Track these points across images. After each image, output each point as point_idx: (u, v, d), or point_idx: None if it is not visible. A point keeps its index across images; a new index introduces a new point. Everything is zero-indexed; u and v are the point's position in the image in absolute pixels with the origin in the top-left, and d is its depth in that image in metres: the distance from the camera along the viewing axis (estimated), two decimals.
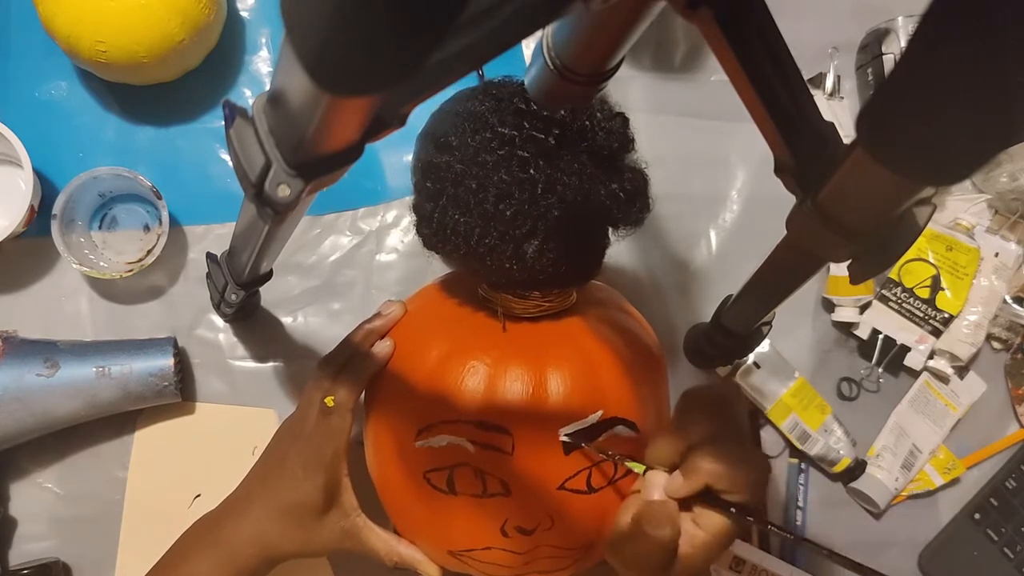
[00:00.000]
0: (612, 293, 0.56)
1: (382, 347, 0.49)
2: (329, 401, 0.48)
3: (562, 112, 0.45)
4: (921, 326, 0.68)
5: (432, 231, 0.46)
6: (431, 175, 0.46)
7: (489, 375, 0.45)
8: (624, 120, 0.47)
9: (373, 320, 0.51)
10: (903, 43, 0.67)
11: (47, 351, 0.57)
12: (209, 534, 0.48)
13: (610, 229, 0.49)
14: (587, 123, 0.45)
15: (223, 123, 0.34)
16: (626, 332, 0.50)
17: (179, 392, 0.59)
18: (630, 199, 0.47)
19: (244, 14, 0.66)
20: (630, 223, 0.48)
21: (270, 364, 0.64)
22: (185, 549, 0.49)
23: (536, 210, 0.43)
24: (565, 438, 0.45)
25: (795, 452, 0.68)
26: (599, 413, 0.45)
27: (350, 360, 0.50)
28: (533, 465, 0.45)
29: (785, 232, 0.40)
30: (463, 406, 0.45)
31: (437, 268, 0.64)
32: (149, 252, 0.60)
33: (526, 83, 0.43)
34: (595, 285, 0.56)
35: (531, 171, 0.43)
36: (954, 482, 0.70)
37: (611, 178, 0.46)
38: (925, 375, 0.70)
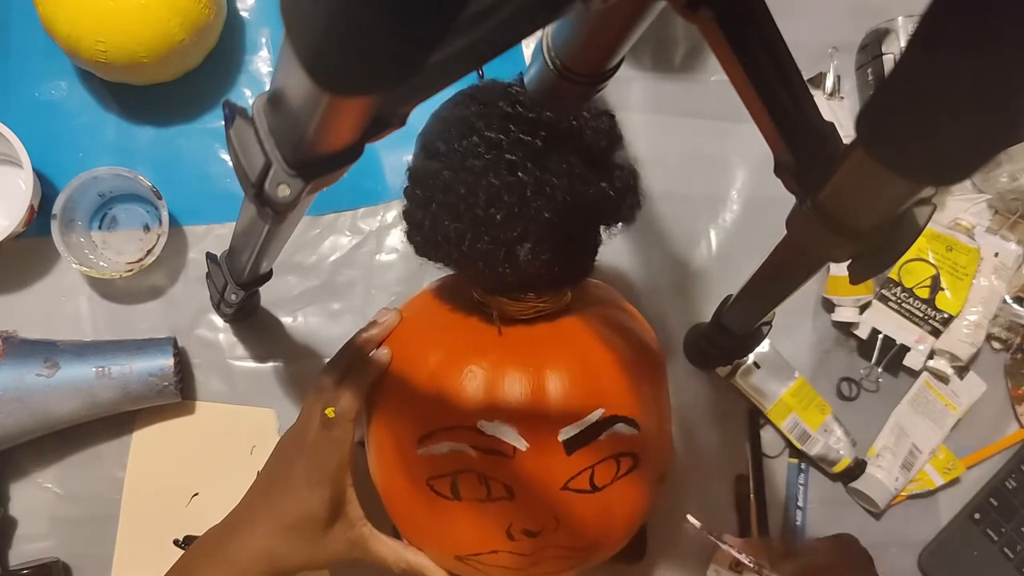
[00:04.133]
0: (609, 291, 0.56)
1: (380, 355, 0.49)
2: (330, 412, 0.47)
3: (548, 113, 0.44)
4: (921, 326, 0.68)
5: (424, 238, 0.46)
6: (420, 182, 0.46)
7: (487, 379, 0.45)
8: (611, 118, 0.47)
9: (369, 329, 0.51)
10: (903, 43, 0.67)
11: (47, 351, 0.57)
12: (215, 552, 0.48)
13: (602, 227, 0.49)
14: (574, 123, 0.45)
15: (223, 123, 0.34)
16: (624, 330, 0.50)
17: (179, 392, 0.59)
18: (621, 196, 0.47)
19: (244, 14, 0.66)
20: (621, 220, 0.48)
21: (270, 364, 0.64)
22: (191, 567, 0.48)
23: (527, 213, 0.43)
24: (566, 438, 0.45)
25: (795, 452, 0.68)
26: (600, 412, 0.45)
27: (349, 370, 0.49)
28: (536, 467, 0.45)
29: (785, 232, 0.40)
30: (463, 412, 0.45)
31: (436, 268, 0.63)
32: (149, 252, 0.60)
33: (526, 82, 0.43)
34: (591, 283, 0.56)
35: (520, 174, 0.43)
36: (954, 482, 0.70)
37: (601, 177, 0.46)
38: (925, 375, 0.70)
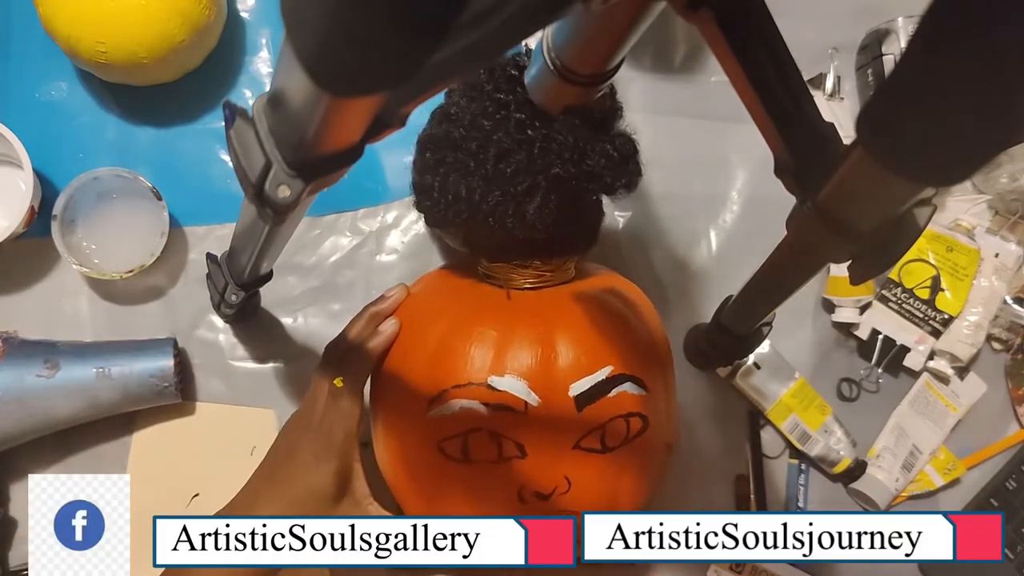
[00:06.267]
0: (612, 272, 0.57)
1: (388, 326, 0.50)
2: (338, 382, 0.47)
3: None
4: (921, 327, 0.68)
5: (433, 202, 0.48)
6: (430, 146, 0.48)
7: (497, 339, 0.46)
8: (611, 88, 0.48)
9: (378, 303, 0.52)
10: (903, 44, 0.67)
11: (47, 351, 0.57)
12: None
13: (604, 196, 0.50)
14: None
15: (223, 124, 0.34)
16: (629, 302, 0.52)
17: (179, 393, 0.59)
18: (623, 160, 0.48)
19: (244, 14, 0.66)
20: (623, 187, 0.49)
21: (270, 365, 0.64)
22: None
23: (535, 167, 0.45)
24: (577, 393, 0.45)
25: (795, 453, 0.68)
26: (609, 368, 0.46)
27: (357, 342, 0.50)
28: (547, 423, 0.45)
29: (785, 232, 0.40)
30: (474, 370, 0.46)
31: (436, 266, 0.63)
32: (150, 253, 0.60)
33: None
34: (595, 266, 0.57)
35: (528, 132, 0.45)
36: (954, 483, 0.70)
37: (603, 139, 0.48)
38: (925, 376, 0.70)
